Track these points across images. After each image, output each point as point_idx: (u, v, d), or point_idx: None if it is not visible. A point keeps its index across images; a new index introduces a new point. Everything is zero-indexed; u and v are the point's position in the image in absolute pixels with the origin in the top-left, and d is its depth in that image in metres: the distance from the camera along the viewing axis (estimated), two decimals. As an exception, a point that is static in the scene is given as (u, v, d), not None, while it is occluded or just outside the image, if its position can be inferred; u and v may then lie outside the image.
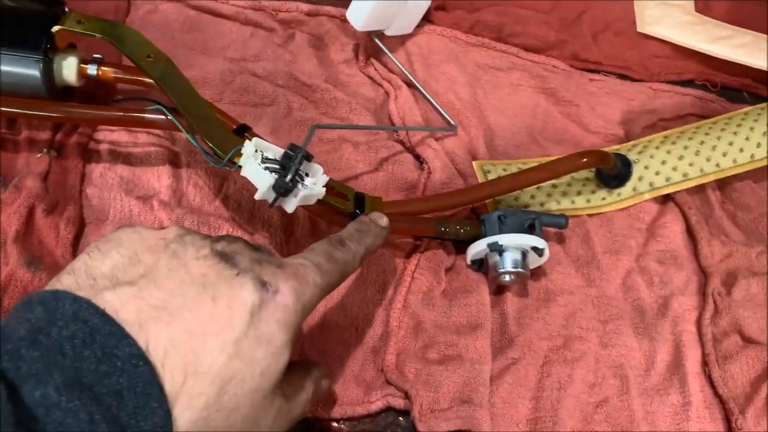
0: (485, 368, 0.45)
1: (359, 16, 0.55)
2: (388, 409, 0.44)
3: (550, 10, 0.65)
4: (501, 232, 0.48)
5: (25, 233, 0.45)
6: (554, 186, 0.54)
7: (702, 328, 0.50)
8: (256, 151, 0.42)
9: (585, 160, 0.50)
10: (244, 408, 0.29)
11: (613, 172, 0.54)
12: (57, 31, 0.47)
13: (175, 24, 0.59)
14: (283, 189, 0.41)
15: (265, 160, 0.42)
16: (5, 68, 0.46)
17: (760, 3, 0.71)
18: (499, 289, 0.50)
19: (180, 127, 0.45)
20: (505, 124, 0.58)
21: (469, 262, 0.50)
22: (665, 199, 0.56)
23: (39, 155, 0.49)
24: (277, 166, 0.42)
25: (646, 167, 0.55)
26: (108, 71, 0.49)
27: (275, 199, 0.42)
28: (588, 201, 0.54)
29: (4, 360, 0.24)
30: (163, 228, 0.33)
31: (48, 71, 0.46)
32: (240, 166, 0.42)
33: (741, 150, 0.55)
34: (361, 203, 0.46)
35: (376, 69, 0.59)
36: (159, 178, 0.50)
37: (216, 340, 0.28)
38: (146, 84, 0.49)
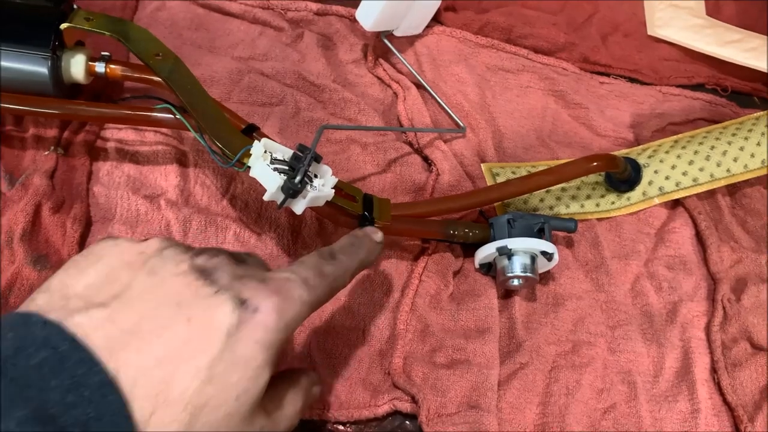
0: (493, 373, 0.45)
1: (369, 16, 0.55)
2: (395, 413, 0.44)
3: (559, 11, 0.65)
4: (510, 235, 0.47)
5: (32, 231, 0.45)
6: (563, 189, 0.54)
7: (711, 335, 0.50)
8: (265, 151, 0.41)
9: (595, 164, 0.50)
10: None
11: (623, 177, 0.53)
12: (65, 29, 0.46)
13: (182, 22, 0.58)
14: (292, 190, 0.40)
15: (274, 161, 0.42)
16: (13, 65, 0.45)
17: (771, 7, 0.71)
18: (507, 293, 0.50)
19: (188, 126, 0.45)
20: (513, 126, 0.58)
21: (477, 266, 0.49)
22: (675, 204, 0.56)
23: (46, 153, 0.49)
24: (286, 167, 0.41)
25: (656, 172, 0.54)
26: (116, 69, 0.48)
27: (284, 201, 0.41)
28: (597, 205, 0.54)
29: None
30: (146, 240, 0.32)
31: (56, 69, 0.46)
32: (249, 167, 0.41)
33: (752, 155, 0.54)
34: (369, 205, 0.46)
35: (384, 69, 0.58)
36: (166, 177, 0.50)
37: (188, 365, 0.27)
38: (154, 82, 0.49)
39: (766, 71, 0.63)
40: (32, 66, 0.45)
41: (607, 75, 0.63)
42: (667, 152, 0.55)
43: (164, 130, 0.51)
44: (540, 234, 0.48)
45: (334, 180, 0.43)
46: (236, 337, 0.28)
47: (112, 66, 0.48)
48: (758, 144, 0.54)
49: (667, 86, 0.63)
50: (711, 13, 0.69)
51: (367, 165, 0.54)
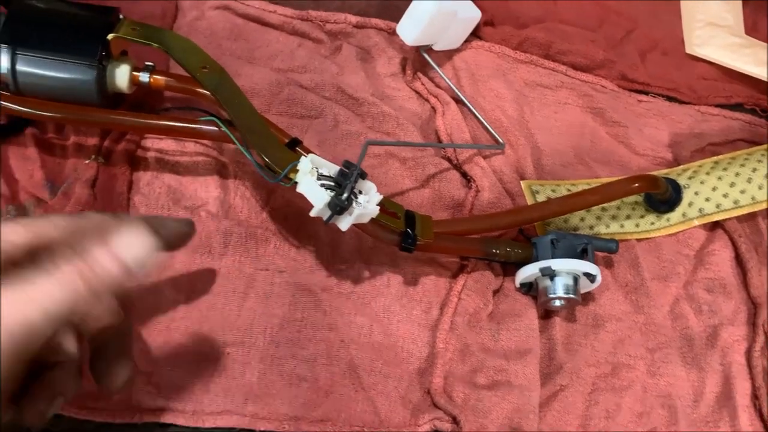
0: (534, 395, 0.44)
1: (411, 32, 0.55)
2: (435, 433, 0.44)
3: (597, 27, 0.65)
4: (553, 256, 0.47)
5: (74, 241, 0.45)
6: (604, 209, 0.54)
7: (752, 360, 0.49)
8: (312, 167, 0.41)
9: (637, 185, 0.50)
10: None
11: (663, 197, 0.53)
12: (112, 39, 0.46)
13: (221, 32, 0.58)
14: (339, 207, 0.40)
15: (320, 176, 0.41)
16: (60, 74, 0.45)
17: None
18: (546, 314, 0.49)
19: (235, 140, 0.44)
20: (552, 143, 0.58)
21: (518, 285, 0.49)
22: (714, 226, 0.55)
23: (87, 161, 0.49)
24: (332, 184, 0.41)
25: (696, 193, 0.54)
26: (160, 80, 0.48)
27: (330, 217, 0.41)
28: (637, 225, 0.54)
29: None
30: None
31: (101, 78, 0.46)
32: (296, 182, 0.41)
33: (794, 178, 0.54)
34: (411, 222, 0.46)
35: (422, 84, 0.58)
36: (207, 189, 0.50)
37: None
38: (197, 93, 0.48)
39: (805, 92, 0.63)
40: (79, 75, 0.45)
41: (646, 93, 0.62)
42: (707, 173, 0.54)
43: (205, 140, 0.51)
44: (583, 255, 0.47)
45: (378, 197, 0.43)
46: None
47: (156, 76, 0.48)
48: (801, 167, 0.54)
49: (705, 105, 0.62)
50: (749, 31, 0.69)
51: (405, 180, 0.54)
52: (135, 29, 0.47)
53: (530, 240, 0.49)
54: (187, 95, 0.50)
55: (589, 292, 0.50)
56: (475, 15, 0.59)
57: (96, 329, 0.36)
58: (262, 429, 0.42)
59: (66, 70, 0.45)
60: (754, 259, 0.53)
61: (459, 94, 0.57)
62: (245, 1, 0.60)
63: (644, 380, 0.48)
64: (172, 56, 0.47)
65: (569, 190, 0.54)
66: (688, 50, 0.65)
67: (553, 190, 0.54)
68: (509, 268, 0.50)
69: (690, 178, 0.54)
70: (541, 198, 0.53)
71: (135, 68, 0.48)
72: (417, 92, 0.58)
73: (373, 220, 0.43)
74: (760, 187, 0.54)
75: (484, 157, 0.55)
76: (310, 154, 0.43)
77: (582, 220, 0.53)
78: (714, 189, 0.54)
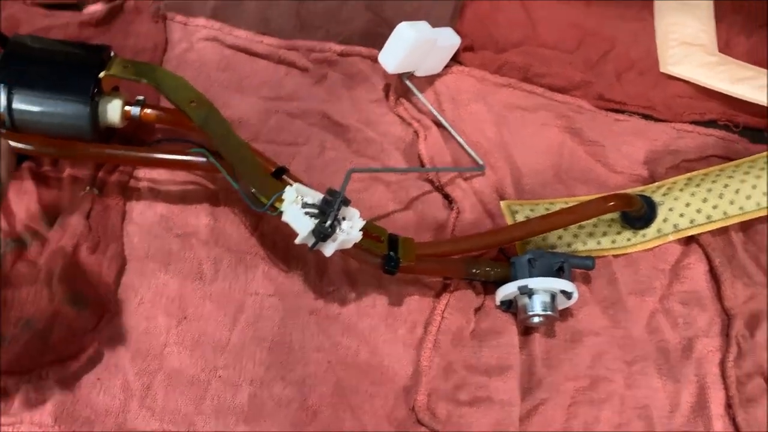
0: (514, 410, 0.46)
1: (392, 60, 0.57)
2: (420, 449, 0.46)
3: (575, 50, 0.67)
4: (531, 275, 0.49)
5: (70, 272, 0.47)
6: (581, 227, 0.55)
7: (726, 371, 0.51)
8: (297, 196, 0.43)
9: (612, 203, 0.52)
10: None
11: (638, 214, 0.55)
12: (104, 77, 0.48)
13: (211, 63, 0.61)
14: (322, 234, 0.42)
15: (305, 205, 0.43)
16: (55, 110, 0.47)
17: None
18: (526, 330, 0.51)
19: (223, 171, 0.47)
20: (531, 164, 0.60)
21: (498, 303, 0.51)
22: (689, 240, 0.57)
23: (82, 193, 0.51)
24: (317, 211, 0.43)
25: (670, 209, 0.56)
26: (150, 114, 0.50)
27: (315, 244, 0.43)
28: (614, 242, 0.55)
29: None
30: None
31: (94, 114, 0.48)
32: (281, 212, 0.43)
33: (764, 194, 0.56)
34: (394, 245, 0.48)
35: (405, 109, 0.60)
36: (197, 216, 0.52)
37: None
38: (187, 126, 0.51)
39: (777, 108, 0.65)
40: (72, 112, 0.48)
41: (622, 112, 0.64)
42: (681, 190, 0.56)
43: (197, 172, 0.53)
44: (560, 273, 0.49)
45: (361, 222, 0.45)
46: None
47: (147, 110, 0.50)
48: (770, 182, 0.56)
49: (680, 123, 0.64)
50: (723, 50, 0.71)
51: (390, 203, 0.56)
52: (126, 67, 0.50)
53: (509, 259, 0.51)
54: (177, 127, 0.52)
55: (567, 308, 0.52)
56: (454, 42, 0.61)
57: None
58: (253, 448, 0.44)
59: (60, 108, 0.48)
60: (728, 272, 0.55)
61: (440, 118, 0.59)
62: (233, 32, 0.62)
63: (622, 392, 0.49)
64: (161, 92, 0.49)
65: (547, 209, 0.56)
66: (663, 69, 0.67)
67: (532, 210, 0.56)
68: (490, 286, 0.52)
69: (664, 194, 0.56)
70: (520, 218, 0.55)
71: (126, 103, 0.50)
72: (400, 117, 0.60)
73: (356, 244, 0.45)
74: (731, 203, 0.56)
75: (465, 179, 0.57)
76: (296, 184, 0.45)
77: (560, 238, 0.55)
78: (687, 205, 0.56)
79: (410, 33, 0.55)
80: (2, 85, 0.47)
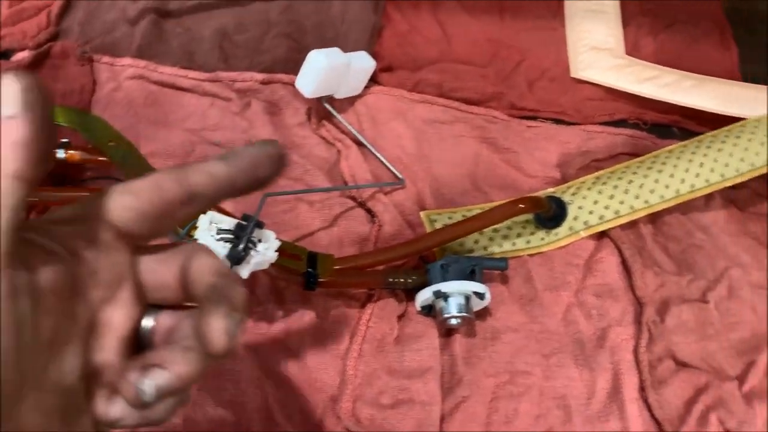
0: (435, 409, 0.49)
1: (308, 85, 0.60)
2: (348, 453, 0.48)
3: (488, 63, 0.70)
4: (444, 279, 0.52)
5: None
6: (495, 230, 0.59)
7: (638, 356, 0.54)
8: (210, 224, 0.46)
9: (521, 206, 0.55)
10: None
11: (549, 215, 0.58)
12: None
13: (137, 99, 0.63)
14: (236, 258, 0.45)
15: (219, 231, 0.46)
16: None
17: (686, 43, 0.77)
18: (448, 332, 0.54)
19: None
20: (450, 174, 0.63)
21: (418, 309, 0.54)
22: (601, 236, 0.60)
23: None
24: (231, 236, 0.46)
25: (580, 207, 0.59)
26: (75, 154, 0.53)
27: (230, 267, 0.46)
28: (528, 242, 0.59)
29: None
30: None
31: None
32: (196, 240, 0.46)
33: (666, 186, 0.59)
34: (313, 262, 0.51)
35: (328, 130, 0.63)
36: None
37: None
38: (109, 164, 0.53)
39: (680, 104, 0.68)
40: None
41: (535, 119, 0.68)
42: (589, 189, 0.60)
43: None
44: (472, 276, 0.52)
45: (277, 243, 0.48)
46: None
47: (72, 152, 0.53)
48: (671, 176, 0.59)
49: (591, 125, 0.68)
50: (631, 51, 0.75)
51: (314, 221, 0.58)
52: (47, 111, 0.52)
53: (425, 266, 0.54)
54: (102, 165, 0.54)
55: (486, 308, 0.55)
56: (369, 64, 0.64)
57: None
58: (186, 466, 0.46)
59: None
60: (638, 263, 0.58)
61: (359, 137, 0.62)
62: (158, 69, 0.65)
63: (541, 384, 0.52)
64: (81, 134, 0.52)
65: (465, 216, 0.59)
66: (574, 74, 0.71)
67: (450, 217, 0.59)
68: (413, 294, 0.55)
69: (573, 194, 0.60)
70: (439, 226, 0.58)
71: (51, 146, 0.53)
72: (323, 138, 0.63)
73: (274, 264, 0.48)
74: (636, 197, 0.59)
75: (386, 194, 0.60)
76: (210, 212, 0.47)
77: (476, 242, 0.58)
78: (596, 202, 0.59)
79: (321, 59, 0.58)
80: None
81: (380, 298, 0.54)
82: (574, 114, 0.69)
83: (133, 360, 0.24)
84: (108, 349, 0.26)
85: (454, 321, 0.52)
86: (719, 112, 0.68)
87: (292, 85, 0.65)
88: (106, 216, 0.25)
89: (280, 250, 0.47)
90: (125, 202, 0.25)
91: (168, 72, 0.65)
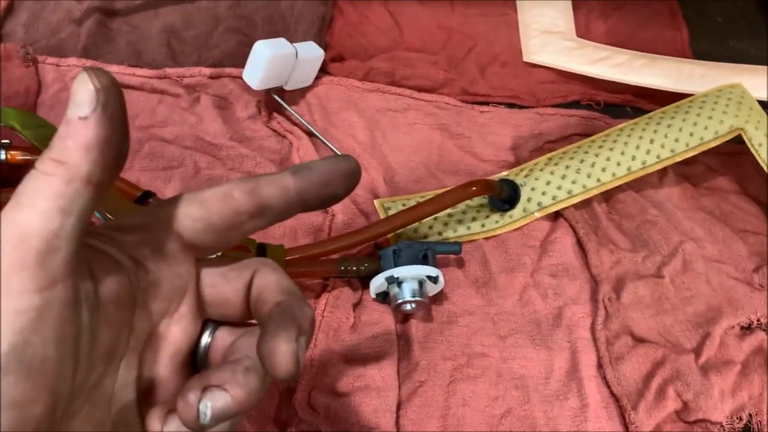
0: (391, 394, 0.48)
1: (254, 77, 0.59)
2: (305, 444, 0.48)
3: (440, 50, 0.70)
4: (396, 265, 0.51)
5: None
6: (450, 215, 0.58)
7: (595, 333, 0.54)
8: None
9: (473, 189, 0.55)
10: None
11: (502, 197, 0.58)
12: (-39, 124, 0.50)
13: (84, 99, 0.62)
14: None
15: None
16: None
17: (637, 24, 0.77)
18: (405, 318, 0.54)
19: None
20: (404, 162, 0.62)
21: (373, 296, 0.53)
22: (555, 216, 0.60)
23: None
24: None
25: (533, 189, 0.59)
26: (16, 154, 0.52)
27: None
28: (483, 226, 0.59)
29: None
30: None
31: (-44, 162, 0.50)
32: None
33: (618, 164, 0.59)
34: (263, 253, 0.50)
35: (279, 122, 0.63)
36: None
37: None
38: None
39: (631, 84, 0.69)
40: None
41: (487, 104, 0.68)
42: (541, 170, 0.60)
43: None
44: (425, 260, 0.52)
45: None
46: None
47: (12, 152, 0.52)
48: (622, 153, 0.59)
49: (544, 107, 0.68)
50: (582, 33, 0.75)
51: (267, 214, 0.58)
52: (-18, 112, 0.51)
53: (378, 253, 0.53)
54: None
55: (443, 292, 0.54)
56: (317, 54, 0.64)
57: None
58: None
59: None
60: (593, 241, 0.58)
61: (310, 127, 0.62)
62: (106, 68, 0.64)
63: (498, 366, 0.52)
64: (19, 133, 0.51)
65: (418, 202, 0.58)
66: (526, 58, 0.71)
67: (404, 204, 0.59)
68: (368, 281, 0.54)
69: (526, 176, 0.60)
70: (393, 213, 0.57)
71: (-9, 148, 0.52)
72: (274, 131, 0.63)
73: (221, 256, 0.47)
74: (588, 176, 0.59)
75: (339, 183, 0.59)
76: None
77: (430, 227, 0.58)
78: (548, 183, 0.59)
79: (265, 51, 0.58)
80: None
81: (335, 288, 0.54)
82: (528, 98, 0.69)
83: (192, 379, 0.23)
84: (164, 365, 0.25)
85: (408, 306, 0.51)
86: (671, 90, 0.68)
87: (242, 78, 0.65)
88: (172, 226, 0.24)
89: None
90: (193, 212, 0.24)
91: (115, 71, 0.64)
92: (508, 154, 0.64)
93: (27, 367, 0.19)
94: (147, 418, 0.24)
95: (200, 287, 0.26)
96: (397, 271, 0.51)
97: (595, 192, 0.59)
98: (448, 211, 0.58)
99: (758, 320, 0.56)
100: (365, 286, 0.55)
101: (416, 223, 0.57)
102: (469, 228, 0.58)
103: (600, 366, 0.53)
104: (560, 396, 0.52)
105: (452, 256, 0.57)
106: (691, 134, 0.60)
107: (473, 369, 0.52)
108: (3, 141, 0.52)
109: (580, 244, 0.59)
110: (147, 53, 0.67)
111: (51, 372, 0.19)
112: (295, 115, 0.62)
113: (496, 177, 0.61)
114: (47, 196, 0.19)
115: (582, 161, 0.60)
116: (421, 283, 0.52)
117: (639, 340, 0.54)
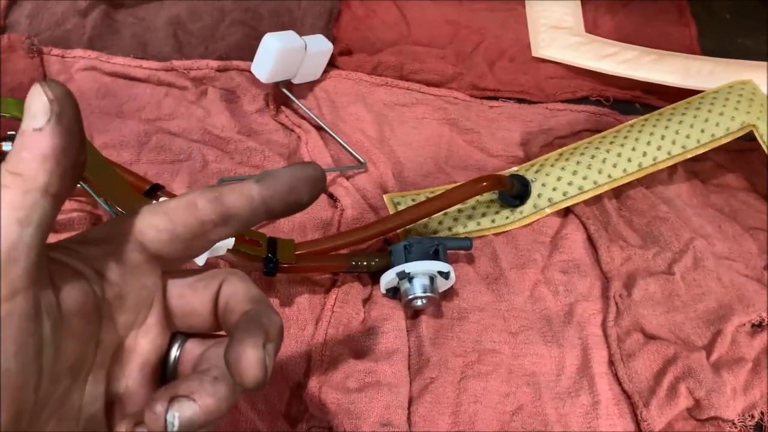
0: (403, 390, 0.48)
1: (263, 70, 0.59)
2: (315, 440, 0.47)
3: (448, 44, 0.70)
4: (407, 260, 0.51)
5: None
6: (460, 210, 0.58)
7: (606, 330, 0.54)
8: (163, 210, 0.45)
9: (484, 184, 0.54)
10: None
11: (513, 193, 0.57)
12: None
13: (90, 92, 0.61)
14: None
15: (173, 218, 0.45)
16: None
17: (645, 20, 0.77)
18: (415, 314, 0.53)
19: (94, 195, 0.48)
20: (412, 157, 0.62)
21: (383, 291, 0.53)
22: (566, 212, 0.60)
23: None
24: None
25: (543, 185, 0.59)
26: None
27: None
28: (493, 221, 0.58)
29: None
30: None
31: (-38, 153, 0.49)
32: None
33: (629, 160, 0.59)
34: (273, 247, 0.49)
35: (287, 116, 0.62)
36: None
37: None
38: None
39: (640, 80, 0.68)
40: (-62, 153, 0.48)
41: (496, 99, 0.67)
42: (552, 165, 0.59)
43: (75, 197, 0.54)
44: (436, 255, 0.51)
45: (234, 229, 0.46)
46: None
47: (18, 143, 0.51)
48: (633, 149, 0.59)
49: (553, 103, 0.68)
50: (590, 29, 0.75)
51: (275, 208, 0.57)
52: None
53: (388, 248, 0.53)
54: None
55: (453, 288, 0.54)
56: (326, 48, 0.63)
57: None
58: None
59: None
60: (603, 238, 0.58)
61: (319, 121, 0.61)
62: (111, 60, 0.63)
63: (509, 363, 0.52)
64: (27, 123, 0.50)
65: (428, 197, 0.58)
66: (534, 53, 0.71)
67: (413, 199, 0.58)
68: (377, 276, 0.54)
69: (537, 171, 0.59)
70: (402, 208, 0.57)
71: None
72: (282, 124, 0.62)
73: (232, 250, 0.47)
74: (599, 172, 0.59)
75: (348, 178, 0.59)
76: (161, 198, 0.46)
77: (440, 223, 0.57)
78: (559, 179, 0.59)
79: (275, 43, 0.57)
80: None
81: (345, 283, 0.53)
82: (536, 93, 0.68)
83: (160, 390, 0.23)
84: (132, 377, 0.25)
85: (419, 302, 0.51)
86: (680, 86, 0.68)
87: (249, 71, 0.64)
88: (136, 237, 0.24)
89: (237, 235, 0.46)
90: (157, 223, 0.24)
91: (121, 62, 0.63)
92: (517, 150, 0.64)
93: None
94: (115, 430, 0.24)
95: (168, 298, 0.26)
96: (409, 267, 0.50)
97: (605, 188, 0.59)
98: (458, 206, 0.58)
99: (769, 318, 0.56)
100: (375, 281, 0.54)
101: (426, 219, 0.56)
102: (479, 224, 0.58)
103: (611, 363, 0.53)
104: (572, 393, 0.51)
105: (462, 252, 0.56)
106: (702, 131, 0.59)
107: (484, 365, 0.51)
108: (9, 132, 0.52)
109: (590, 241, 0.59)
110: (153, 45, 0.66)
111: (12, 384, 0.19)
112: (304, 108, 0.62)
113: (506, 172, 0.60)
114: (4, 207, 0.19)
115: (593, 157, 0.59)
116: (432, 279, 0.51)
117: (650, 337, 0.54)
